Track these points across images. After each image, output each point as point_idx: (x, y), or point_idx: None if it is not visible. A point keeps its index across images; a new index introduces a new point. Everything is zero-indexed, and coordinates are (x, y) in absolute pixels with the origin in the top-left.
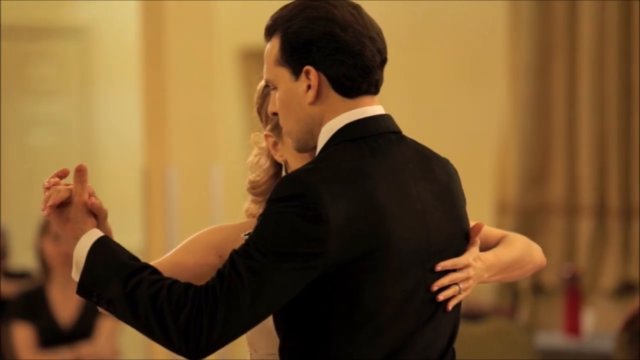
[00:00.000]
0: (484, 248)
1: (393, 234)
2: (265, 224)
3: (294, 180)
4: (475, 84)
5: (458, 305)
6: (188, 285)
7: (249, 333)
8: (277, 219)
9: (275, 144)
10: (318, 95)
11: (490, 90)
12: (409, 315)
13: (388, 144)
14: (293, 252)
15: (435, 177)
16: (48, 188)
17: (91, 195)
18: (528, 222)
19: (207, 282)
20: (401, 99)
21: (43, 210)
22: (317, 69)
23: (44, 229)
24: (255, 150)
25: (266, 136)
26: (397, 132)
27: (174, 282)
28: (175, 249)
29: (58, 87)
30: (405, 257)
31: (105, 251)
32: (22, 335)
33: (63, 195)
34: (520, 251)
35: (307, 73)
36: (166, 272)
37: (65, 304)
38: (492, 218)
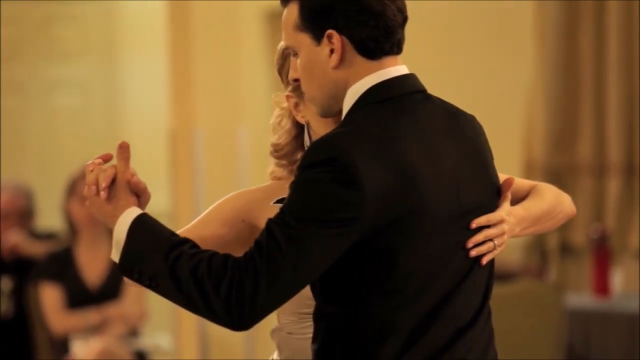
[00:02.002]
0: (515, 201)
1: (426, 195)
2: (300, 191)
3: (325, 145)
4: (502, 43)
5: (492, 262)
6: (227, 257)
7: None
8: (311, 186)
9: (296, 105)
10: (342, 59)
11: (518, 49)
12: (445, 276)
13: (415, 104)
14: (330, 218)
15: (463, 134)
16: (92, 170)
17: (134, 175)
18: (556, 182)
19: (246, 253)
20: (429, 59)
21: (96, 194)
22: (340, 33)
23: (71, 190)
24: (276, 111)
25: (287, 97)
26: (423, 91)
27: (214, 255)
28: (196, 220)
29: (82, 49)
30: (438, 217)
31: (146, 227)
32: (50, 296)
33: (111, 172)
34: (550, 202)
35: (330, 37)
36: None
37: (92, 265)
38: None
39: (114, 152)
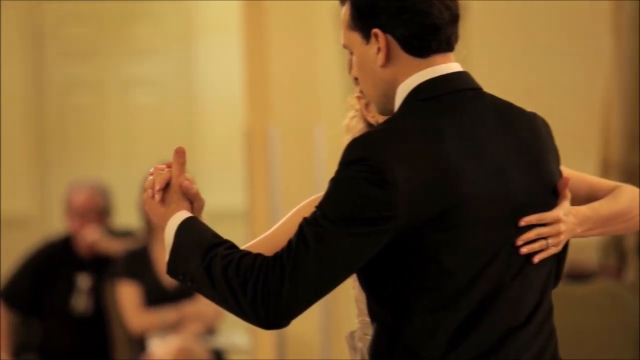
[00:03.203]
0: (591, 201)
1: (467, 192)
2: (332, 189)
3: (360, 144)
4: (579, 41)
5: (551, 261)
6: (257, 256)
7: (357, 293)
8: (344, 184)
9: (367, 105)
10: (388, 58)
11: (595, 48)
12: (491, 274)
13: (462, 101)
14: (360, 217)
15: (516, 131)
16: (151, 174)
17: (187, 180)
18: (633, 182)
19: (276, 252)
20: (504, 59)
21: (151, 197)
22: (384, 31)
23: None
24: (351, 113)
25: (358, 97)
26: (474, 89)
27: (246, 254)
28: (274, 227)
29: (159, 47)
30: (482, 214)
31: (191, 231)
32: (127, 293)
33: (166, 176)
34: (625, 204)
35: (376, 36)
36: (268, 247)
37: None
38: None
39: (189, 151)
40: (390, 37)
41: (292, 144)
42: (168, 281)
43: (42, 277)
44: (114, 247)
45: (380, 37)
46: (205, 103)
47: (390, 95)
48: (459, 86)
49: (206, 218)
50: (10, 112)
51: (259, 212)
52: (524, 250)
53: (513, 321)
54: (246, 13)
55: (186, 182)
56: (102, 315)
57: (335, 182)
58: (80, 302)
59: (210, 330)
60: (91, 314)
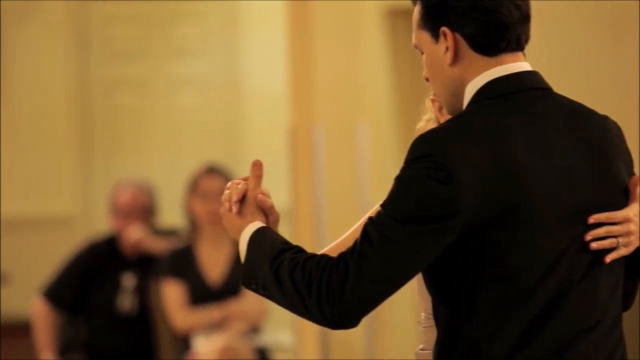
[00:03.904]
0: None
1: (532, 190)
2: (396, 187)
3: (424, 140)
4: (607, 44)
5: (622, 265)
6: (322, 257)
7: (417, 296)
8: (408, 182)
9: (441, 108)
10: (456, 56)
11: (624, 52)
12: (560, 273)
13: (530, 100)
14: (425, 215)
15: (586, 132)
16: (229, 188)
17: (264, 194)
18: None
19: (341, 252)
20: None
21: (229, 210)
22: (452, 30)
23: (192, 188)
24: (426, 115)
25: (432, 100)
26: (544, 88)
27: (311, 257)
28: (349, 231)
29: (204, 47)
30: (548, 213)
31: (262, 240)
32: (172, 292)
33: (242, 189)
34: None
35: (444, 34)
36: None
37: (213, 262)
38: None
39: (233, 150)
40: (458, 36)
41: (336, 142)
42: (212, 280)
43: (87, 276)
44: (159, 246)
45: (448, 36)
46: (249, 102)
47: (459, 94)
48: (528, 85)
49: None
50: (56, 112)
51: (303, 210)
52: (594, 245)
53: (582, 323)
54: (291, 12)
55: (261, 196)
56: (147, 315)
57: (399, 180)
58: (125, 301)
59: (254, 329)
60: (136, 313)
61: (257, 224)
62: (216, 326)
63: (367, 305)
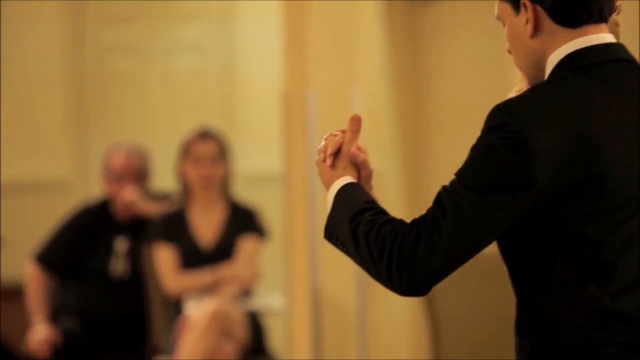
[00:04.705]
0: None
1: (611, 162)
2: (472, 156)
3: (502, 109)
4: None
5: None
6: (398, 222)
7: None
8: (483, 150)
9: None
10: (537, 28)
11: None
12: (638, 248)
13: (613, 72)
14: (498, 184)
15: None
16: (326, 139)
17: (359, 148)
18: None
19: (414, 218)
20: None
21: (323, 161)
22: (532, 1)
23: (185, 152)
24: (517, 86)
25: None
26: (628, 60)
27: (388, 220)
28: None
29: (199, 12)
30: (627, 186)
31: (347, 195)
32: (164, 256)
33: (338, 141)
34: None
35: (524, 6)
36: None
37: (205, 226)
38: None
39: (229, 115)
40: (539, 8)
41: (329, 107)
42: (204, 244)
43: (79, 240)
44: (152, 209)
45: (528, 7)
46: (244, 67)
47: (540, 66)
48: (610, 57)
49: (244, 181)
50: (50, 76)
51: (296, 175)
52: None
53: None
54: None
55: (354, 149)
56: (139, 279)
57: (475, 149)
58: (118, 265)
59: (246, 293)
60: (128, 277)
61: (347, 179)
62: (208, 290)
63: (436, 273)
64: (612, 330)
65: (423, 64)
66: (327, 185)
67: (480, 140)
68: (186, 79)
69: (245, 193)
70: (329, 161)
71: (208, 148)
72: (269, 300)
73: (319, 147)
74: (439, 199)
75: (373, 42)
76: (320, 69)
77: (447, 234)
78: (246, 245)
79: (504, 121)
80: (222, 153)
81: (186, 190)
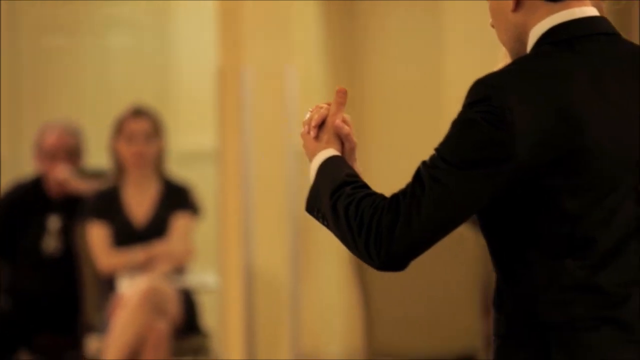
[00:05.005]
0: None
1: (592, 137)
2: (453, 130)
3: (482, 84)
4: None
5: None
6: (377, 196)
7: None
8: (463, 125)
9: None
10: (519, 2)
11: None
12: (618, 223)
13: (596, 46)
14: (478, 158)
15: None
16: (312, 111)
17: (344, 121)
18: None
19: (393, 193)
20: None
21: (307, 133)
22: None
23: (118, 130)
24: (501, 63)
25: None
26: (611, 34)
27: (368, 195)
28: None
29: None
30: (608, 161)
31: (331, 168)
32: (97, 234)
33: (323, 113)
34: None
35: None
36: None
37: (139, 204)
38: None
39: (163, 92)
40: None
41: (264, 84)
42: (137, 221)
43: (11, 219)
44: (84, 187)
45: None
46: (179, 44)
47: (522, 41)
48: (593, 30)
49: (178, 158)
50: None
51: (230, 152)
52: None
53: (638, 276)
54: None
55: (338, 122)
56: (72, 256)
57: (455, 124)
58: (50, 243)
59: (179, 270)
60: (61, 255)
61: (330, 152)
62: (141, 267)
63: (415, 248)
64: (589, 304)
65: (359, 41)
66: (311, 157)
67: (460, 115)
68: (120, 56)
69: (179, 170)
70: (313, 133)
71: (141, 126)
72: (203, 277)
73: (303, 119)
74: (418, 174)
75: (308, 19)
76: (254, 45)
77: (426, 209)
78: (179, 222)
79: (484, 95)
80: (155, 130)
81: (119, 168)
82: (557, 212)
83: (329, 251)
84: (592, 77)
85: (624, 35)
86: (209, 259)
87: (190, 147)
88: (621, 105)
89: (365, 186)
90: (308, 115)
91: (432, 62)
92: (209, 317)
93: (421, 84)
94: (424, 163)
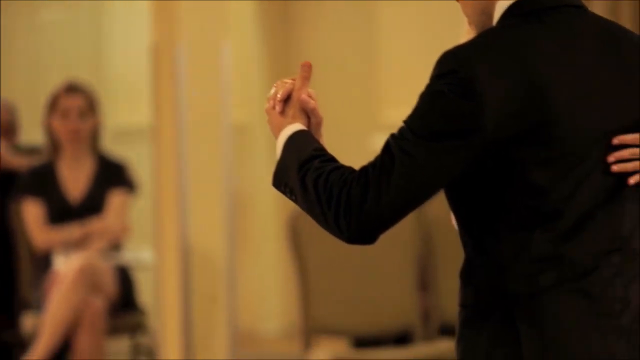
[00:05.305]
0: None
1: (560, 109)
2: (421, 103)
3: (449, 56)
4: None
5: None
6: (346, 169)
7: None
8: (432, 98)
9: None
10: None
11: None
12: (586, 194)
13: (562, 18)
14: (446, 130)
15: (620, 53)
16: (276, 86)
17: (310, 95)
18: None
19: (362, 166)
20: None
21: (273, 108)
22: None
23: (52, 106)
24: (462, 37)
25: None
26: (577, 6)
27: (336, 168)
28: None
29: None
30: (575, 133)
31: (298, 143)
32: (31, 211)
33: (288, 88)
34: None
35: None
36: None
37: (74, 180)
38: None
39: (97, 68)
40: None
41: (199, 61)
42: (73, 198)
43: None
44: (19, 163)
45: None
46: (114, 20)
47: (488, 13)
48: (560, 2)
49: (113, 135)
50: None
51: (165, 129)
52: (615, 168)
53: (606, 245)
54: None
55: (304, 96)
56: (7, 233)
57: (423, 96)
58: None
59: (115, 247)
60: None
61: (297, 126)
62: (76, 244)
63: (385, 221)
64: (555, 275)
65: (294, 18)
66: (277, 132)
67: (428, 87)
68: (54, 31)
69: (114, 147)
70: (278, 108)
71: (76, 102)
72: (139, 254)
73: (268, 94)
74: (387, 147)
75: None
76: (189, 22)
77: (396, 181)
78: (115, 199)
79: (451, 68)
80: (90, 107)
81: (54, 145)
82: (525, 184)
83: (266, 228)
84: (560, 49)
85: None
86: (145, 236)
87: (126, 124)
88: (588, 77)
89: (333, 160)
90: (273, 91)
91: (366, 35)
92: (145, 294)
93: (355, 58)
94: (392, 135)
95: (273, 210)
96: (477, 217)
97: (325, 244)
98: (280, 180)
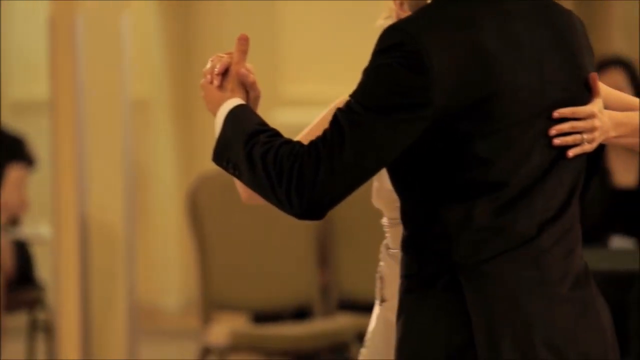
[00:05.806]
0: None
1: (504, 82)
2: (368, 77)
3: (395, 30)
4: None
5: (583, 160)
6: (296, 144)
7: (375, 199)
8: (379, 71)
9: (401, 4)
10: None
11: None
12: (528, 167)
13: None
14: (396, 104)
15: (554, 26)
16: (213, 60)
17: (247, 69)
18: None
19: (311, 141)
20: None
21: (210, 83)
22: None
23: None
24: (384, 13)
25: None
26: None
27: (285, 143)
28: (316, 119)
29: None
30: (518, 106)
31: (239, 118)
32: None
33: (226, 62)
34: None
35: None
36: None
37: None
38: None
39: None
40: None
41: (98, 33)
42: None
43: None
44: None
45: None
46: None
47: None
48: None
49: (11, 108)
50: None
51: (64, 102)
52: (557, 141)
53: (545, 214)
54: None
55: (243, 70)
56: None
57: (370, 71)
58: None
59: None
60: None
61: (237, 101)
62: None
63: (335, 195)
64: (498, 245)
65: None
66: (215, 107)
67: (373, 62)
68: None
69: (12, 121)
70: (217, 82)
71: None
72: (37, 229)
73: (204, 68)
74: (336, 121)
75: None
76: None
77: (346, 154)
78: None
79: (397, 41)
80: None
81: None
82: (470, 156)
83: (166, 202)
84: (500, 24)
85: (623, 34)
86: (43, 211)
87: (24, 97)
88: (530, 51)
89: (279, 134)
90: (209, 65)
91: (267, 10)
92: (43, 269)
93: (256, 33)
94: (339, 109)
95: (173, 184)
96: (421, 189)
97: (225, 219)
98: (222, 156)
